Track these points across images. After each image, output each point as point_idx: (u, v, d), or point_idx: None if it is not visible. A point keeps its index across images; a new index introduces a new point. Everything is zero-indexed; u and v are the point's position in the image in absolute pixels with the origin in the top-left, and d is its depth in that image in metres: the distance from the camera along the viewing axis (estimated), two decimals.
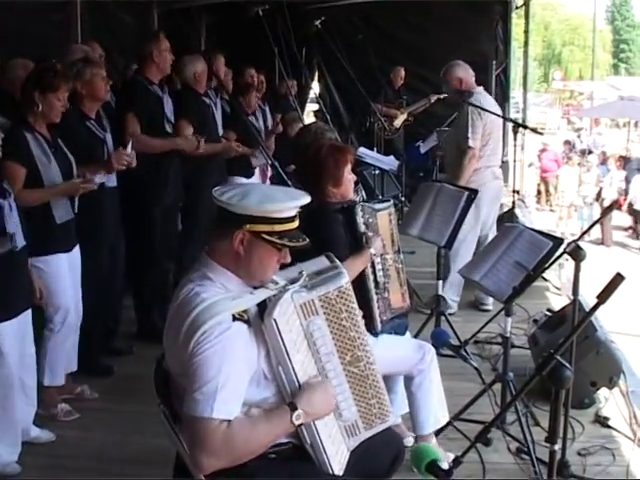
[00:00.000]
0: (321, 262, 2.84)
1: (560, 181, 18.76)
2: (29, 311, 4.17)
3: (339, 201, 3.84)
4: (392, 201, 4.17)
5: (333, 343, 2.61)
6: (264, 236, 2.51)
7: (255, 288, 2.58)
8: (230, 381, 2.35)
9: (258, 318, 2.50)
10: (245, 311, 2.46)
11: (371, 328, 3.66)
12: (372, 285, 3.82)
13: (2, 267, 3.84)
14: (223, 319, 2.38)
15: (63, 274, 4.58)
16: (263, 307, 2.51)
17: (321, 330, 2.57)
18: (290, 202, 2.54)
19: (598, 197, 18.10)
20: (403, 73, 11.58)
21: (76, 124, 4.91)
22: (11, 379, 3.98)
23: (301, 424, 2.48)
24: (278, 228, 2.52)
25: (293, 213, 2.56)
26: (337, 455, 2.64)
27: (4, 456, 4.06)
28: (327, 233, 3.63)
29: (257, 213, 2.48)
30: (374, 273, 3.84)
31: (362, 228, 3.78)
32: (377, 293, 3.86)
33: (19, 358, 4.09)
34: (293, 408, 2.46)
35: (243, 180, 7.25)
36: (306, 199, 2.60)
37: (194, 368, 2.37)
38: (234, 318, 2.40)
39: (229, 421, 2.35)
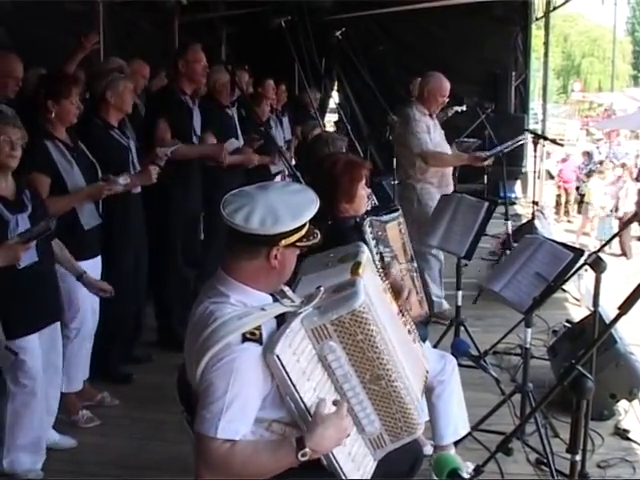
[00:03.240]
0: (343, 273, 2.78)
1: (592, 193, 18.52)
2: (57, 324, 4.20)
3: (352, 216, 3.83)
4: (400, 210, 4.16)
5: (350, 364, 2.56)
6: (298, 244, 2.56)
7: (276, 301, 2.60)
8: (237, 402, 2.38)
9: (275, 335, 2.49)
10: (258, 328, 2.45)
11: None
12: None
13: (12, 283, 3.80)
14: (231, 341, 2.39)
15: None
16: (282, 322, 2.51)
17: (335, 353, 2.52)
18: (314, 205, 2.58)
19: (616, 209, 17.96)
20: None
21: (100, 134, 4.97)
22: (34, 390, 3.99)
23: (307, 460, 2.45)
24: (304, 231, 2.57)
25: None
26: (359, 470, 2.63)
27: (26, 464, 4.09)
28: None
29: (290, 227, 2.50)
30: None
31: (373, 244, 3.78)
32: None
33: (46, 370, 4.13)
34: (301, 446, 2.42)
35: None
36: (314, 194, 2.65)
37: (204, 387, 2.41)
38: (245, 338, 2.40)
39: (234, 441, 2.39)
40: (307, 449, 2.41)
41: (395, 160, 7.40)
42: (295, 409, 2.48)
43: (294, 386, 2.43)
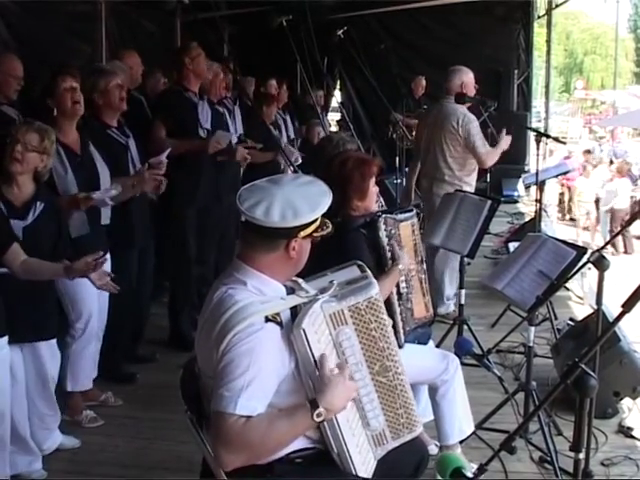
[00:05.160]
0: (352, 271, 2.87)
1: (578, 192, 18.57)
2: (40, 344, 4.13)
3: (362, 214, 3.83)
4: (415, 211, 4.17)
5: (362, 353, 2.62)
6: (314, 234, 2.62)
7: (291, 292, 2.64)
8: (257, 380, 2.39)
9: (291, 324, 2.53)
10: (278, 314, 2.50)
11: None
12: (396, 298, 3.81)
13: (3, 287, 3.78)
14: (255, 321, 2.43)
15: (86, 281, 4.57)
16: (295, 314, 2.55)
17: (350, 340, 2.59)
18: (328, 195, 2.64)
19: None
20: (424, 82, 11.59)
21: (97, 134, 4.96)
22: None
23: (322, 421, 2.50)
24: (319, 222, 2.62)
25: None
26: (364, 465, 2.65)
27: (22, 466, 4.08)
28: (351, 252, 3.46)
29: (309, 219, 2.56)
30: (397, 285, 3.83)
31: (385, 241, 3.78)
32: (400, 304, 3.85)
33: (35, 387, 4.14)
34: (314, 406, 2.46)
35: None
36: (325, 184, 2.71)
37: (223, 365, 2.42)
38: (267, 319, 2.45)
39: (250, 416, 2.39)
40: (321, 409, 2.45)
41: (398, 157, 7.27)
42: (314, 389, 2.51)
43: (316, 363, 2.48)
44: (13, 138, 3.87)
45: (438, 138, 6.61)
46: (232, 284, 2.58)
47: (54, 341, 4.23)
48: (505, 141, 6.66)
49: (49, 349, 4.19)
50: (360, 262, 2.96)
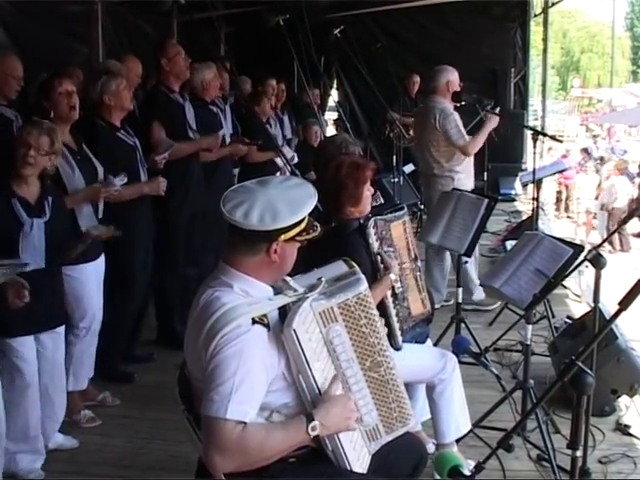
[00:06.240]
0: (339, 267, 2.85)
1: (577, 189, 18.59)
2: (59, 330, 4.21)
3: (356, 217, 3.81)
4: (405, 209, 4.13)
5: (353, 349, 2.62)
6: (297, 238, 2.59)
7: (276, 294, 2.62)
8: (246, 383, 2.39)
9: (279, 324, 2.52)
10: (265, 315, 2.49)
11: (392, 344, 3.62)
12: (391, 301, 3.78)
13: None
14: (242, 322, 2.42)
15: (90, 282, 4.62)
16: (284, 313, 2.54)
17: (341, 337, 2.58)
18: (312, 199, 2.61)
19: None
20: (418, 80, 11.55)
21: (106, 137, 4.99)
22: (27, 391, 3.99)
23: (317, 436, 2.49)
24: (304, 225, 2.59)
25: None
26: (358, 460, 2.66)
27: (24, 463, 4.09)
28: (350, 255, 3.20)
29: (289, 223, 2.53)
30: (392, 286, 3.82)
31: (376, 246, 3.76)
32: (396, 305, 3.84)
33: (51, 376, 4.17)
34: (310, 419, 2.47)
35: None
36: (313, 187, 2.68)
37: (211, 368, 2.41)
38: (254, 321, 2.44)
39: (245, 423, 2.39)
40: (316, 422, 2.46)
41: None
42: (306, 388, 2.52)
43: (308, 362, 2.48)
44: (25, 143, 3.89)
45: (424, 136, 6.83)
46: (218, 287, 2.57)
47: (62, 328, 4.27)
48: (491, 122, 6.77)
49: (60, 337, 4.24)
50: (346, 257, 2.94)
